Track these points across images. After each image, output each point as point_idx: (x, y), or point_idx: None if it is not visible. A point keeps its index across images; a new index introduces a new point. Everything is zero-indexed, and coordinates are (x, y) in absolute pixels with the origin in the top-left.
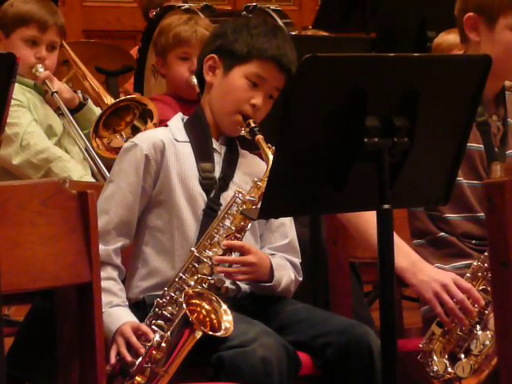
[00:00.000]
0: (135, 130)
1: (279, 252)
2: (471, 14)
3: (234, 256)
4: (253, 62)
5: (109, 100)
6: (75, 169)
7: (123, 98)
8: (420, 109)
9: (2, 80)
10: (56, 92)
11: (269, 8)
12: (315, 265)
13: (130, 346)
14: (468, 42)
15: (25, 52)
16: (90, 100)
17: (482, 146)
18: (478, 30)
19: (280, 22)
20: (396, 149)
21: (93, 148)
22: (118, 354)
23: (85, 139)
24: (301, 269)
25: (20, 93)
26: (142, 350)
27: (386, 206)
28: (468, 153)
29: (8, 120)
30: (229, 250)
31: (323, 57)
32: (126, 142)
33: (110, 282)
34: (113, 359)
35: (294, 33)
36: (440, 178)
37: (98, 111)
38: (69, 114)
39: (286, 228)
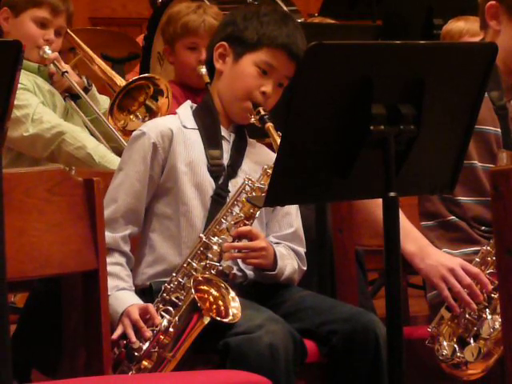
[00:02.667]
0: (149, 109)
1: (284, 241)
2: (493, 2)
3: (243, 242)
4: (263, 50)
5: (119, 81)
6: (88, 139)
7: (136, 77)
8: (426, 96)
9: (7, 67)
10: (66, 71)
11: None
12: (321, 252)
13: (136, 330)
14: (487, 29)
15: (33, 32)
16: (94, 87)
17: (499, 129)
18: (498, 18)
19: (286, 9)
20: (402, 136)
21: (109, 126)
22: (124, 336)
23: (101, 114)
24: (305, 258)
25: (24, 77)
26: (148, 334)
27: (392, 194)
28: (485, 136)
29: (16, 103)
30: (237, 239)
31: (329, 44)
32: (143, 121)
33: (116, 267)
34: (115, 336)
35: (300, 20)
36: (446, 165)
37: (101, 98)
38: (82, 92)
39: (291, 217)
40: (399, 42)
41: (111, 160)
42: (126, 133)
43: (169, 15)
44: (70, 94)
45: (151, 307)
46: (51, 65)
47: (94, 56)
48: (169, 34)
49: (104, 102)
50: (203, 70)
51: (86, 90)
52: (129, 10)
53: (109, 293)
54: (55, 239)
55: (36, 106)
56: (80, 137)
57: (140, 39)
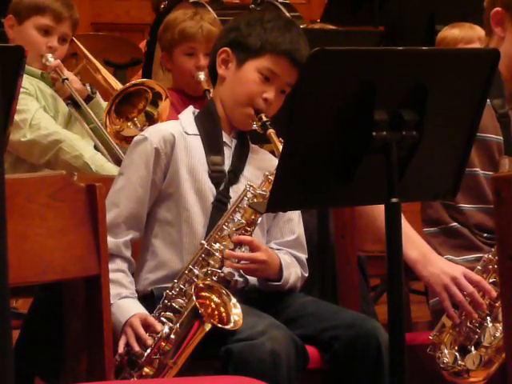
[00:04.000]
0: (149, 116)
1: (286, 247)
2: (499, 9)
3: (244, 250)
4: (266, 56)
5: (114, 83)
6: (86, 148)
7: (133, 82)
8: (428, 102)
9: (10, 73)
10: (67, 79)
11: (277, 1)
12: (323, 259)
13: (138, 338)
14: (492, 35)
15: (37, 39)
16: (98, 94)
17: (500, 137)
18: (503, 25)
19: (289, 15)
20: (404, 142)
21: (107, 133)
22: (127, 345)
23: (100, 124)
24: (307, 265)
25: (27, 81)
26: (149, 341)
27: (395, 200)
28: (487, 144)
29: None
30: (239, 245)
31: (332, 50)
32: (140, 130)
33: (119, 274)
34: (121, 349)
35: (302, 26)
36: (448, 171)
37: (105, 104)
38: (82, 101)
39: (293, 224)
40: (402, 48)
41: (108, 169)
42: (119, 137)
43: (166, 22)
44: (74, 101)
45: (149, 318)
46: (53, 72)
47: (98, 64)
48: (166, 40)
49: None
50: (201, 76)
51: (90, 97)
52: (131, 15)
53: (111, 301)
54: (57, 245)
55: (35, 111)
56: (77, 145)
57: (142, 45)
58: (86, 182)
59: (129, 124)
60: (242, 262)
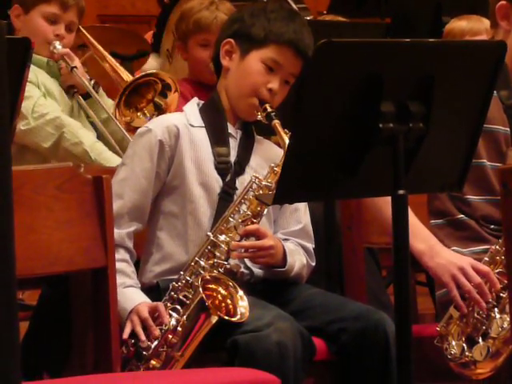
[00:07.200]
0: (157, 107)
1: (292, 237)
2: (504, 2)
3: (251, 241)
4: (269, 47)
5: (126, 76)
6: (87, 135)
7: (143, 73)
8: (435, 94)
9: (17, 64)
10: (75, 67)
11: None
12: (330, 250)
13: (145, 328)
14: (498, 28)
15: (44, 28)
16: (101, 90)
17: (508, 129)
18: (509, 19)
19: (295, 6)
20: (411, 134)
21: (116, 120)
22: (133, 335)
23: (110, 114)
24: (314, 254)
25: (31, 72)
26: (157, 333)
27: (401, 192)
28: (494, 135)
29: None
30: (245, 237)
31: (338, 42)
32: (149, 120)
33: (123, 264)
34: (126, 335)
35: (309, 18)
36: (455, 163)
37: (108, 101)
38: (91, 89)
39: (299, 213)
40: (408, 40)
41: (108, 158)
42: (131, 129)
43: (182, 11)
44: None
45: (161, 305)
46: (61, 60)
47: (106, 54)
48: (181, 30)
49: (111, 105)
50: None
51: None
52: (138, 7)
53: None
54: (64, 236)
55: (37, 98)
56: (78, 133)
57: (149, 36)
58: (92, 174)
59: (138, 114)
60: (250, 250)
